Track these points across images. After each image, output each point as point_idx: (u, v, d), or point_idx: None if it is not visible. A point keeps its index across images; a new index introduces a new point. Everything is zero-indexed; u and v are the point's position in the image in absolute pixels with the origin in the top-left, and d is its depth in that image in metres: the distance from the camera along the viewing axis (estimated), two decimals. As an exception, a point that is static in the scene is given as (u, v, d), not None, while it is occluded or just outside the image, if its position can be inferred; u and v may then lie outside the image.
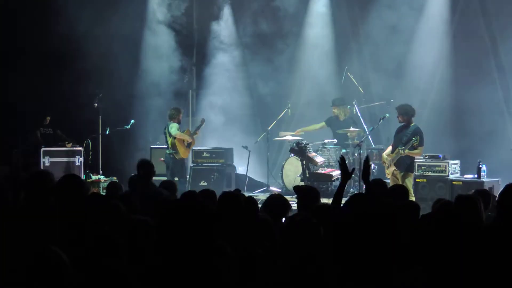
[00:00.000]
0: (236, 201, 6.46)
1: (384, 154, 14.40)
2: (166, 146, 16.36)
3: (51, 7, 17.23)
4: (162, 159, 16.47)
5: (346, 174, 6.89)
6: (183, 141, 16.17)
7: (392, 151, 14.05)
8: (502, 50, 17.40)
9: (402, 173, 13.79)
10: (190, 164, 17.93)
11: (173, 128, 16.05)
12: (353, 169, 7.49)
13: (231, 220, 6.08)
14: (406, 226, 5.81)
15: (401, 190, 8.82)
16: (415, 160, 14.59)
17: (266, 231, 6.18)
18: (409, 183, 13.83)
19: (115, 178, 16.49)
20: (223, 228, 5.35)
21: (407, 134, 13.80)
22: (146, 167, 10.40)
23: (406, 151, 13.66)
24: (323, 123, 17.40)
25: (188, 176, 16.94)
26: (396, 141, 14.08)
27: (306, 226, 5.25)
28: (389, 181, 13.67)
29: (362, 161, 7.30)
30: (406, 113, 13.96)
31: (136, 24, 19.02)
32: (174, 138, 16.04)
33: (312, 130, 17.61)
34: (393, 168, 13.96)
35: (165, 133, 16.28)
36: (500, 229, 5.76)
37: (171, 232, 4.27)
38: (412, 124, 13.96)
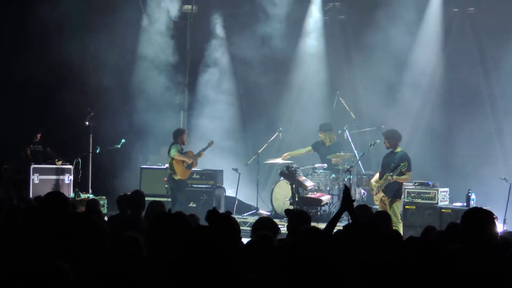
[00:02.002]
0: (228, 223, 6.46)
1: (372, 181, 14.40)
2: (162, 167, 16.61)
3: (45, 25, 17.24)
4: (165, 179, 16.63)
5: (348, 204, 6.91)
6: (183, 162, 16.23)
7: (380, 178, 14.06)
8: (494, 77, 17.52)
9: (390, 199, 13.79)
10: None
11: (173, 149, 16.28)
12: (354, 200, 7.44)
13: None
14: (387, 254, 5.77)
15: (384, 216, 8.83)
16: (404, 187, 14.60)
17: (255, 254, 6.15)
18: (397, 209, 13.83)
19: (104, 197, 16.45)
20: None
21: (394, 160, 13.83)
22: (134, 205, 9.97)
23: (394, 177, 13.68)
24: (309, 148, 17.47)
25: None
26: (384, 168, 14.09)
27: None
28: (377, 207, 13.67)
29: (343, 189, 7.27)
30: (393, 138, 14.00)
31: (130, 43, 19.06)
32: (172, 158, 16.20)
33: (299, 154, 17.65)
34: (381, 194, 13.96)
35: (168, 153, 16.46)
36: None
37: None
38: (399, 150, 13.99)
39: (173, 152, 16.22)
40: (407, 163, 13.69)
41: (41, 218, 6.85)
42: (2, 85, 16.92)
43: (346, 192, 7.02)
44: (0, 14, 17.33)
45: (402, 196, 14.46)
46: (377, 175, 14.33)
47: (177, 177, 16.27)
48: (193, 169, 16.94)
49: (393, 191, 13.84)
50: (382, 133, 14.37)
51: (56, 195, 7.29)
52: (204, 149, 16.79)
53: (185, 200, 16.49)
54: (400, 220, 14.00)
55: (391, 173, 13.73)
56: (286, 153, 17.52)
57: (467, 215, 6.11)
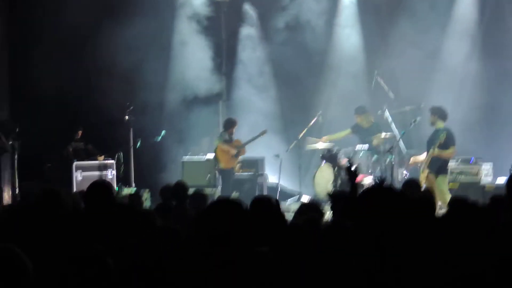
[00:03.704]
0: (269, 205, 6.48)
1: (417, 158, 14.41)
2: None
3: (83, 23, 17.38)
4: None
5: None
6: (228, 151, 16.35)
7: (426, 156, 14.07)
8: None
9: (435, 175, 13.76)
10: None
11: (218, 138, 16.90)
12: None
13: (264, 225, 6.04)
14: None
15: (413, 183, 9.05)
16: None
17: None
18: (443, 183, 13.80)
19: (147, 190, 16.53)
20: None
21: (437, 136, 13.83)
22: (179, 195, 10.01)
23: (436, 150, 13.70)
24: (349, 130, 17.39)
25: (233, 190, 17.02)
26: (428, 145, 14.20)
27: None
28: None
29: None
30: (435, 113, 14.02)
31: (165, 34, 19.09)
32: (217, 147, 16.68)
33: (338, 138, 17.57)
34: (427, 171, 13.94)
35: None
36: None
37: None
38: (441, 126, 13.99)
39: (217, 141, 16.67)
40: (446, 133, 13.66)
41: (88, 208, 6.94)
42: (43, 85, 17.04)
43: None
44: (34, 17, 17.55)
45: (448, 172, 14.36)
46: (424, 154, 14.33)
47: (222, 166, 16.46)
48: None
49: (437, 166, 13.88)
50: (429, 109, 14.34)
51: (101, 183, 7.39)
52: (255, 138, 16.96)
53: (229, 190, 16.56)
54: (447, 196, 13.89)
55: (433, 146, 13.71)
56: (325, 136, 17.46)
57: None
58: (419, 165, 14.40)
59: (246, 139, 17.17)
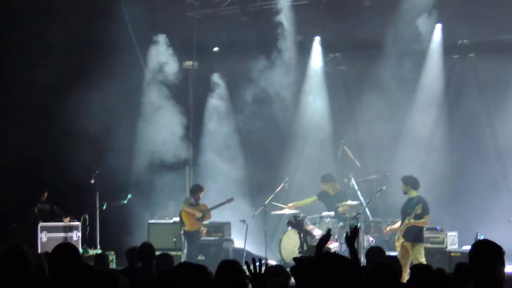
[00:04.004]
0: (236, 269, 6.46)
1: (393, 227, 14.59)
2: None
3: (53, 86, 17.41)
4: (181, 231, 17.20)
5: (351, 240, 6.94)
6: (193, 214, 16.44)
7: (401, 225, 14.20)
8: (497, 123, 17.59)
9: (410, 243, 13.88)
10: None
11: (184, 201, 17.03)
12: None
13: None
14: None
15: (378, 249, 9.32)
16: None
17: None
18: (418, 253, 13.88)
19: (113, 252, 16.41)
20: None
21: (411, 205, 13.99)
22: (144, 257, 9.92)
23: (412, 220, 13.87)
24: (315, 197, 17.56)
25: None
26: (402, 214, 14.40)
27: None
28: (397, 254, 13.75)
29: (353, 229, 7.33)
30: (406, 183, 14.19)
31: (133, 99, 19.16)
32: (182, 210, 16.82)
33: (304, 204, 17.71)
34: (402, 240, 14.06)
35: None
36: None
37: None
38: (415, 195, 14.17)
39: (182, 204, 16.87)
40: (422, 205, 13.85)
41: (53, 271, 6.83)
42: (8, 144, 17.00)
43: (354, 231, 7.05)
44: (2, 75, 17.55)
45: (423, 240, 14.44)
46: (398, 223, 14.48)
47: (186, 229, 16.57)
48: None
49: (413, 235, 14.03)
50: (401, 179, 14.49)
51: (66, 246, 7.30)
52: (221, 204, 17.10)
53: (195, 252, 16.52)
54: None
55: (408, 217, 13.87)
56: (292, 203, 17.59)
57: (474, 247, 6.10)
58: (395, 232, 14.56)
59: (212, 204, 17.21)
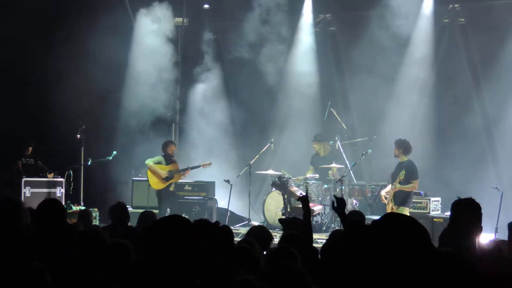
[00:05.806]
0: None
1: (382, 192, 14.61)
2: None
3: (33, 38, 17.24)
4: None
5: (340, 208, 6.99)
6: (158, 173, 16.28)
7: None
8: (485, 88, 17.55)
9: (397, 207, 13.95)
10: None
11: (151, 158, 16.57)
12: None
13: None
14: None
15: (357, 212, 9.90)
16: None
17: (244, 259, 6.16)
18: (403, 215, 13.90)
19: (96, 209, 16.38)
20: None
21: (400, 170, 14.02)
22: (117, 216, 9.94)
23: (397, 186, 13.91)
24: (311, 167, 17.46)
25: (168, 209, 16.77)
26: (392, 177, 14.43)
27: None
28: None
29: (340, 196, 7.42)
30: (398, 146, 14.22)
31: (120, 54, 18.98)
32: (148, 167, 16.52)
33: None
34: (391, 204, 14.11)
35: None
36: None
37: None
38: (405, 159, 14.17)
39: (148, 161, 16.54)
40: (406, 171, 13.88)
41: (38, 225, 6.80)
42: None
43: (341, 200, 7.12)
44: None
45: (410, 205, 14.47)
46: (389, 186, 14.51)
47: (152, 187, 16.51)
48: (181, 181, 17.04)
49: (399, 200, 14.10)
50: (394, 141, 14.48)
51: (52, 202, 7.27)
52: (193, 167, 16.80)
53: (164, 211, 16.29)
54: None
55: (394, 182, 13.96)
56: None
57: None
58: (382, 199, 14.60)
59: (192, 165, 17.03)
